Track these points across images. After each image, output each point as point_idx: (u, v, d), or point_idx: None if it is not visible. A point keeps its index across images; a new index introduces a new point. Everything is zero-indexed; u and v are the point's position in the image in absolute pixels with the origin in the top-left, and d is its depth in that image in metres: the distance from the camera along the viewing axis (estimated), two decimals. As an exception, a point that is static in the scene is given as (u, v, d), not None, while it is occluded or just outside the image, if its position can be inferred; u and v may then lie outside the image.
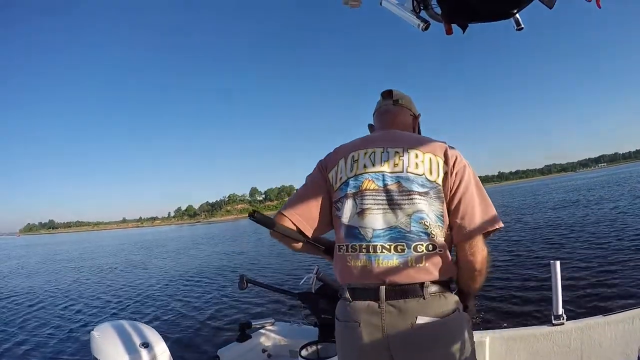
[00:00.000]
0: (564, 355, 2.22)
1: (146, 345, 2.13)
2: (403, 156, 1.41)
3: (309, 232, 1.49)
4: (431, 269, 1.32)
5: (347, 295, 1.39)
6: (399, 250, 1.33)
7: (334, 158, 1.52)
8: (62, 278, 15.91)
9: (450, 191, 1.36)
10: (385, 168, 1.41)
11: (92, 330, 2.34)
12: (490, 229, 1.36)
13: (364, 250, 1.36)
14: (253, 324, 2.83)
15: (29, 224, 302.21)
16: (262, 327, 2.85)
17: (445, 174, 1.37)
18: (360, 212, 1.39)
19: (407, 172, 1.38)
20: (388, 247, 1.33)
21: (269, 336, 2.79)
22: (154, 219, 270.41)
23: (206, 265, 16.49)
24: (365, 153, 1.46)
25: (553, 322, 2.27)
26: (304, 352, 2.13)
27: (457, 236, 1.36)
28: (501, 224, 1.36)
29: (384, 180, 1.39)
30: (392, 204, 1.36)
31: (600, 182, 46.14)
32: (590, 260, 8.34)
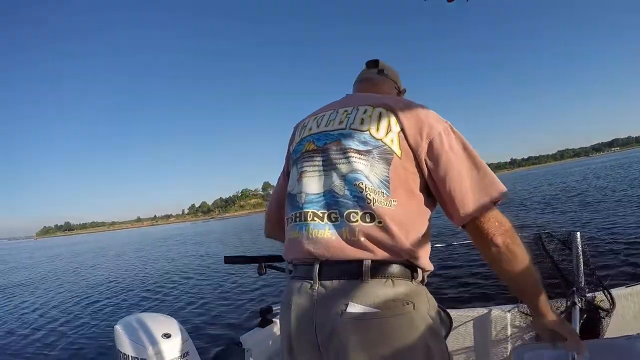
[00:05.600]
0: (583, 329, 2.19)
1: (168, 335, 2.12)
2: (351, 113, 1.19)
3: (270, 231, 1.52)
4: (369, 245, 1.03)
5: (288, 272, 1.20)
6: (332, 219, 1.08)
7: (293, 132, 1.38)
8: (84, 275, 16.21)
9: (425, 162, 1.08)
10: (329, 128, 1.20)
11: (116, 324, 2.36)
12: (492, 200, 1.05)
13: (297, 219, 1.15)
14: (274, 308, 2.82)
15: (45, 227, 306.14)
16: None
17: (402, 132, 1.09)
18: (299, 177, 1.20)
19: (349, 128, 1.15)
20: (321, 215, 1.10)
21: None
22: (168, 216, 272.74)
23: (223, 255, 16.54)
24: (315, 117, 1.28)
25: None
26: None
27: (455, 219, 1.07)
28: (504, 188, 1.07)
29: (325, 140, 1.18)
30: (328, 165, 1.14)
31: (616, 165, 45.70)
32: (612, 233, 8.29)
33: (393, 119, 1.11)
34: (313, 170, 1.17)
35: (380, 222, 1.04)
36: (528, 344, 2.28)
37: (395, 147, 1.09)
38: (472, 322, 2.43)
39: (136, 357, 2.10)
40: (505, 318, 2.36)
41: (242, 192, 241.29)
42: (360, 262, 1.02)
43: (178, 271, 13.79)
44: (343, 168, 1.11)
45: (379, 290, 1.00)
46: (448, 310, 2.27)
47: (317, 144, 1.19)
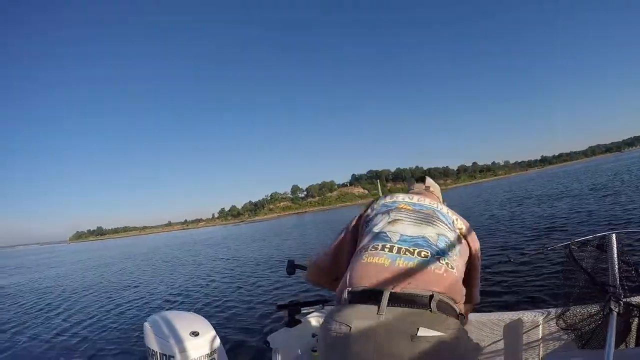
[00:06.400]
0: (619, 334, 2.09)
1: (197, 333, 2.14)
2: (435, 202, 1.66)
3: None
4: (445, 283, 1.27)
5: (345, 296, 1.31)
6: (422, 256, 1.33)
7: (372, 201, 1.74)
8: (115, 277, 16.63)
9: (468, 261, 1.51)
10: (422, 202, 1.62)
11: (145, 321, 2.39)
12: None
13: (386, 249, 1.36)
14: (302, 309, 2.80)
15: (78, 231, 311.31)
16: (312, 312, 2.82)
17: (465, 239, 1.54)
18: (392, 222, 1.49)
19: (438, 209, 1.60)
20: (412, 250, 1.34)
21: (318, 320, 2.76)
22: (198, 220, 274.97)
23: (253, 255, 17.07)
24: (399, 195, 1.70)
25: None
26: None
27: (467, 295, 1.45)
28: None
29: (420, 207, 1.59)
30: (423, 221, 1.49)
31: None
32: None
33: (464, 228, 1.58)
34: (409, 220, 1.49)
35: (457, 274, 1.35)
36: (560, 351, 2.22)
37: (463, 249, 1.50)
38: (503, 326, 2.37)
39: (164, 354, 2.13)
40: (537, 323, 2.30)
41: (271, 195, 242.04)
42: (431, 295, 1.21)
43: (207, 272, 14.01)
44: (436, 228, 1.46)
45: (444, 320, 1.20)
46: (480, 314, 2.23)
47: (413, 207, 1.58)
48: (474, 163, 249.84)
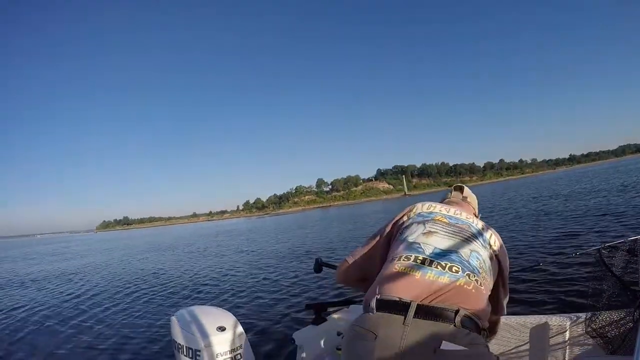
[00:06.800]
0: None
1: (223, 329, 2.16)
2: (471, 217, 1.65)
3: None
4: (472, 300, 1.28)
5: (373, 305, 1.30)
6: (453, 271, 1.33)
7: (409, 208, 1.73)
8: (140, 267, 16.84)
9: (497, 278, 1.53)
10: (459, 216, 1.62)
11: (172, 315, 2.43)
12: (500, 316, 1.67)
13: (418, 261, 1.37)
14: (328, 307, 2.80)
15: (104, 221, 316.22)
16: (338, 310, 2.82)
17: (497, 257, 1.53)
18: (427, 233, 1.49)
19: (475, 223, 1.60)
20: (443, 265, 1.34)
21: (344, 319, 2.75)
22: (223, 212, 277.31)
23: (279, 250, 16.99)
24: (438, 205, 1.71)
25: None
26: None
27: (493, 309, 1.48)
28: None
29: (456, 221, 1.58)
30: (458, 236, 1.48)
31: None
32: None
33: (497, 244, 1.57)
34: (444, 234, 1.48)
35: (485, 292, 1.36)
36: (587, 357, 2.17)
37: (494, 254, 1.52)
38: (529, 330, 2.33)
39: (190, 348, 2.16)
40: (564, 328, 2.26)
41: (296, 188, 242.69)
42: (457, 310, 1.22)
43: (231, 264, 14.11)
44: (469, 244, 1.46)
45: (467, 335, 1.19)
46: (506, 317, 2.19)
47: (450, 220, 1.57)
48: (501, 160, 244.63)
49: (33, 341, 6.94)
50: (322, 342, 2.62)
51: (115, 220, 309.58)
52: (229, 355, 2.12)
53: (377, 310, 1.29)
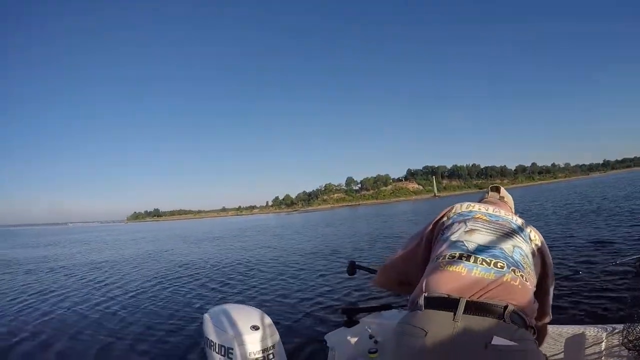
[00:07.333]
0: None
1: (256, 327, 2.17)
2: (510, 214, 1.69)
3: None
4: (519, 296, 1.29)
5: (421, 302, 1.32)
6: (498, 267, 1.34)
7: (448, 209, 1.75)
8: (171, 259, 17.13)
9: (540, 275, 1.54)
10: (498, 213, 1.64)
11: (205, 313, 2.45)
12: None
13: (463, 258, 1.38)
14: (363, 311, 2.79)
15: (135, 212, 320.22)
16: (370, 313, 2.80)
17: (539, 251, 1.56)
18: (469, 231, 1.51)
19: (515, 220, 1.62)
20: (488, 261, 1.35)
21: (377, 322, 2.72)
22: (252, 207, 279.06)
23: (307, 248, 17.03)
24: (475, 204, 1.73)
25: None
26: None
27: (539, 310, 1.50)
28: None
29: (496, 217, 1.60)
30: (499, 232, 1.50)
31: None
32: None
33: (538, 239, 1.60)
34: (485, 230, 1.51)
35: (531, 288, 1.37)
36: None
37: (536, 249, 1.55)
38: (564, 340, 2.26)
39: (223, 346, 2.18)
40: (600, 339, 2.18)
41: (325, 186, 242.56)
42: (505, 306, 1.22)
43: (261, 261, 14.18)
44: (512, 240, 1.47)
45: (517, 330, 1.20)
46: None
47: (490, 218, 1.59)
48: (533, 164, 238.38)
49: (61, 325, 7.14)
50: (354, 345, 2.60)
51: (146, 211, 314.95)
52: (261, 355, 2.13)
53: (425, 308, 1.30)
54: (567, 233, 12.52)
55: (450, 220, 1.64)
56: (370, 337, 2.64)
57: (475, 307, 1.22)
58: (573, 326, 2.32)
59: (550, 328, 2.32)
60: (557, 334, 2.30)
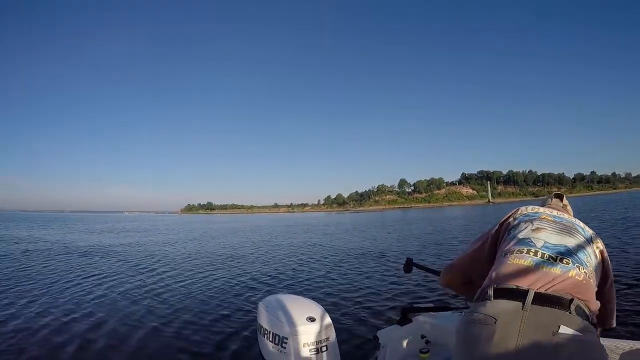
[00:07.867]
0: None
1: (313, 319, 2.21)
2: (572, 218, 1.72)
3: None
4: (583, 291, 1.34)
5: (491, 293, 1.37)
6: (564, 262, 1.39)
7: (511, 211, 1.80)
8: (223, 250, 17.54)
9: (601, 278, 1.56)
10: (562, 215, 1.70)
11: (260, 301, 2.50)
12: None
13: (531, 253, 1.44)
14: (419, 311, 2.78)
15: (189, 204, 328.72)
16: (424, 313, 2.78)
17: (601, 253, 1.57)
18: (536, 230, 1.56)
19: (578, 222, 1.66)
20: (555, 257, 1.41)
21: (429, 322, 2.70)
22: (304, 205, 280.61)
23: (359, 247, 17.10)
24: (545, 209, 1.78)
25: None
26: None
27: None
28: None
29: (560, 219, 1.65)
30: (565, 232, 1.55)
31: None
32: None
33: (601, 246, 1.60)
34: (551, 229, 1.56)
35: (592, 281, 1.41)
36: None
37: (598, 252, 1.57)
38: (619, 355, 2.15)
39: (277, 335, 2.22)
40: None
41: (378, 187, 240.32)
42: (571, 299, 1.28)
43: (313, 256, 14.35)
44: (576, 239, 1.53)
45: (582, 322, 1.24)
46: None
47: (555, 219, 1.64)
48: (592, 172, 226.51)
49: (113, 309, 7.40)
50: (405, 344, 2.60)
51: (199, 204, 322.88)
52: (315, 346, 2.17)
53: (494, 298, 1.35)
54: (625, 247, 11.96)
55: (517, 221, 1.69)
56: (422, 336, 2.63)
57: (543, 299, 1.27)
58: (630, 341, 2.22)
59: (604, 341, 2.24)
60: (612, 348, 2.21)
